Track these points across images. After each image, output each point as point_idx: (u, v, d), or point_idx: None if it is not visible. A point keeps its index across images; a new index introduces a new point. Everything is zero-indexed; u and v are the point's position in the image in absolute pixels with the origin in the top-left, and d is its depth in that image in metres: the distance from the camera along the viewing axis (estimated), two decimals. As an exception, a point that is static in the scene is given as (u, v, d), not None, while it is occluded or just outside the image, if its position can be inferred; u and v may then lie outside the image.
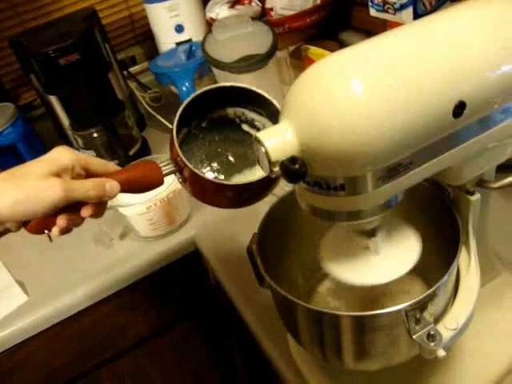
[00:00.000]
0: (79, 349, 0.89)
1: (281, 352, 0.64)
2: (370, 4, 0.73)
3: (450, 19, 0.40)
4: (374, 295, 0.60)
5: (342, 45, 1.08)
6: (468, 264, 0.48)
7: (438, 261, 0.51)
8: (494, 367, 0.55)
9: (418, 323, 0.43)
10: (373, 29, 1.07)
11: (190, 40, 1.12)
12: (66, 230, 0.46)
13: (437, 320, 0.45)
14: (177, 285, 0.93)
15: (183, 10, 1.08)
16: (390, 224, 0.49)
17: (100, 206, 0.47)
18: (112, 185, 0.46)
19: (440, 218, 0.50)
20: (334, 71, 0.36)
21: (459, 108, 0.37)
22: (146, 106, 1.20)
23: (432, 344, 0.42)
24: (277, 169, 0.37)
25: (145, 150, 1.11)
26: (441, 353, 0.42)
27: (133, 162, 0.50)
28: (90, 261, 0.87)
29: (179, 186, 0.86)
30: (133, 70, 1.29)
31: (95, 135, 1.03)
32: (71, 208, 0.44)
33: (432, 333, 0.42)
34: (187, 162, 0.49)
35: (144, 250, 0.87)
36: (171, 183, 0.84)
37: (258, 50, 0.86)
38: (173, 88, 1.07)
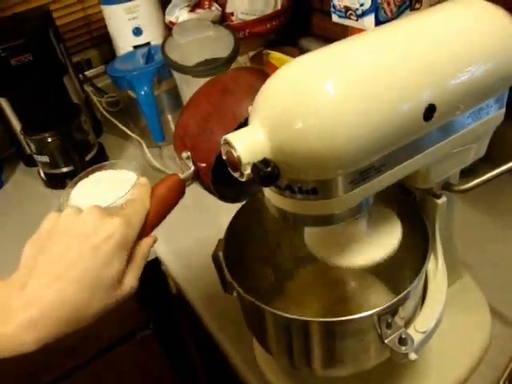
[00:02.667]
0: (31, 363, 0.84)
1: (246, 360, 0.62)
2: (332, 10, 0.74)
3: (423, 23, 0.40)
4: (340, 298, 0.60)
5: (302, 51, 1.09)
6: (435, 267, 0.49)
7: (405, 264, 0.51)
8: (457, 369, 0.56)
9: (390, 327, 0.42)
10: (332, 35, 1.08)
11: (148, 43, 1.10)
12: None
13: (407, 323, 0.45)
14: (136, 293, 0.90)
15: (142, 13, 1.05)
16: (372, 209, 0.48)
17: None
18: (152, 243, 0.45)
19: (407, 221, 0.50)
20: (308, 71, 0.36)
21: (429, 111, 0.37)
22: (103, 111, 1.17)
23: (403, 348, 0.42)
24: (247, 171, 0.35)
25: (101, 156, 1.08)
26: (412, 356, 0.41)
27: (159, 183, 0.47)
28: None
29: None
30: (88, 73, 1.26)
31: (49, 140, 0.99)
32: None
33: (403, 337, 0.42)
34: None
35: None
36: (131, 189, 0.81)
37: (219, 54, 0.85)
38: (130, 92, 1.04)
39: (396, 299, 0.41)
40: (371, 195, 0.40)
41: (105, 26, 1.19)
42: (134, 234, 0.42)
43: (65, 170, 1.03)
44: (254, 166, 0.34)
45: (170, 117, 1.10)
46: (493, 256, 0.67)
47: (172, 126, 1.10)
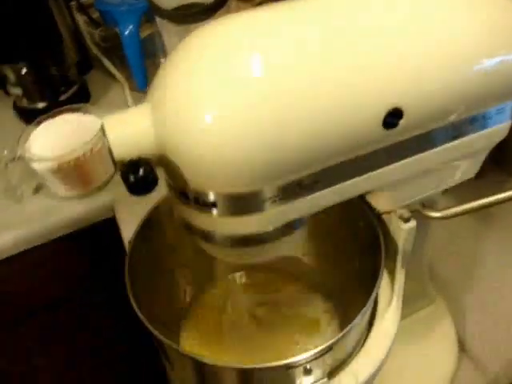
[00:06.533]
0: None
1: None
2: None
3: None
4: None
5: None
6: (389, 300, 0.39)
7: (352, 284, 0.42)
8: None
9: (309, 374, 0.34)
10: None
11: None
12: None
13: (340, 366, 0.36)
14: (88, 252, 0.84)
15: None
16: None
17: None
18: None
19: (365, 238, 0.40)
20: (216, 49, 0.25)
21: (393, 116, 0.27)
22: (91, 45, 1.06)
23: (322, 402, 0.34)
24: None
25: (82, 96, 0.99)
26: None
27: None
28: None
29: (99, 145, 0.75)
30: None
31: (23, 71, 0.90)
32: None
33: (323, 390, 0.33)
34: None
35: (56, 209, 0.77)
36: (89, 141, 0.73)
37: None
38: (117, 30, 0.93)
39: (318, 349, 0.32)
40: (304, 215, 0.31)
41: None
42: None
43: (40, 105, 0.95)
44: (123, 167, 0.24)
45: (162, 60, 0.99)
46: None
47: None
